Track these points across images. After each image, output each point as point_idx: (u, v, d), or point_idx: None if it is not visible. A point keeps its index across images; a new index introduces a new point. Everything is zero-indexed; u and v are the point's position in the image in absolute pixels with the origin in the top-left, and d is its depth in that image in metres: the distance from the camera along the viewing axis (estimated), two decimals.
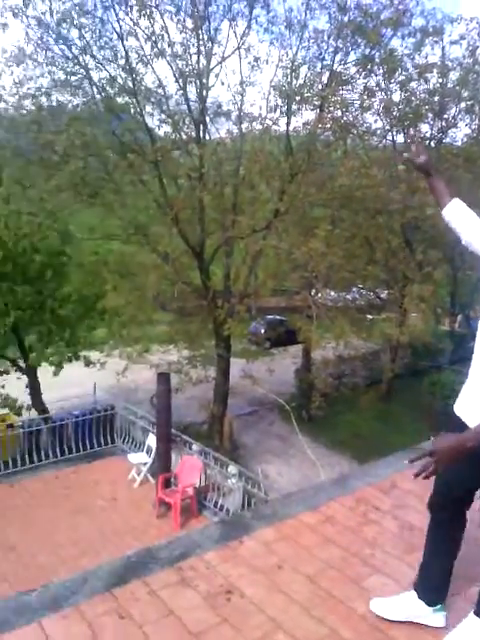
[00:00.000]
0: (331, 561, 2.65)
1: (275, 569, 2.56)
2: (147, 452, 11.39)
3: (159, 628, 2.10)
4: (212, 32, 14.09)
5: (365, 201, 14.16)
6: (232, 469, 10.34)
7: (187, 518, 9.76)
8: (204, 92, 14.06)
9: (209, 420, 16.99)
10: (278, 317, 24.87)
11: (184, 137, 14.38)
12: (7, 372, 14.52)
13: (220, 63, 14.20)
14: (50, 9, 12.66)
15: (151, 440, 11.32)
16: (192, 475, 10.20)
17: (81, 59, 13.40)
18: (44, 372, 14.68)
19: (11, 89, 13.37)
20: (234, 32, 14.22)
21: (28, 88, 13.46)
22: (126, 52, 13.37)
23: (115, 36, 13.48)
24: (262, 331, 25.40)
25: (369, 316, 19.30)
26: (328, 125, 13.68)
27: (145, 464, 11.15)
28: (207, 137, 14.76)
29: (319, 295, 15.18)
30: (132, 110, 13.83)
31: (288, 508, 3.14)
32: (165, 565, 2.53)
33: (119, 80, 13.62)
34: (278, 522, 2.96)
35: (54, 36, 13.12)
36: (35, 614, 2.11)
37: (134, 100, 13.56)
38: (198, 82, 14.00)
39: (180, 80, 13.92)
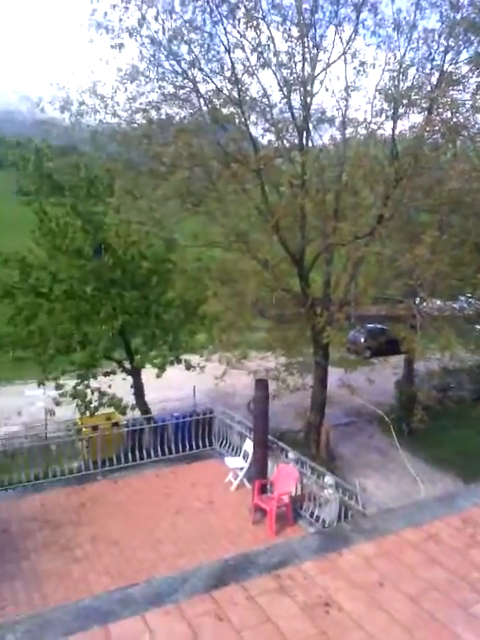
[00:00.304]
0: (435, 582, 2.52)
1: (376, 586, 2.47)
2: (244, 457, 11.50)
3: (257, 634, 2.10)
4: (317, 39, 14.11)
5: (476, 205, 13.48)
6: (328, 480, 10.18)
7: (282, 526, 9.73)
8: (308, 99, 14.06)
9: (305, 428, 16.86)
10: (379, 326, 24.24)
11: (287, 145, 14.45)
12: (114, 373, 15.28)
13: (325, 69, 14.15)
14: (163, 27, 13.28)
15: (248, 445, 11.42)
16: (288, 483, 10.16)
17: (189, 73, 13.89)
18: (147, 374, 15.30)
19: (124, 105, 14.13)
20: (340, 37, 14.15)
21: (140, 103, 14.17)
22: (232, 64, 13.69)
23: (222, 49, 13.87)
24: (362, 340, 24.89)
25: (478, 326, 18.30)
26: (437, 127, 13.18)
27: (242, 469, 11.26)
28: (310, 144, 14.73)
29: (424, 304, 14.61)
30: (237, 120, 14.10)
31: (389, 523, 3.03)
32: (263, 571, 2.52)
33: (225, 91, 13.96)
34: (379, 537, 2.86)
35: (165, 52, 13.72)
36: (139, 607, 2.18)
37: (239, 110, 13.82)
38: (302, 90, 14.03)
39: (284, 89, 14.02)
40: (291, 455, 11.06)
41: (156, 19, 13.19)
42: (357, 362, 19.75)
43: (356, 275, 15.37)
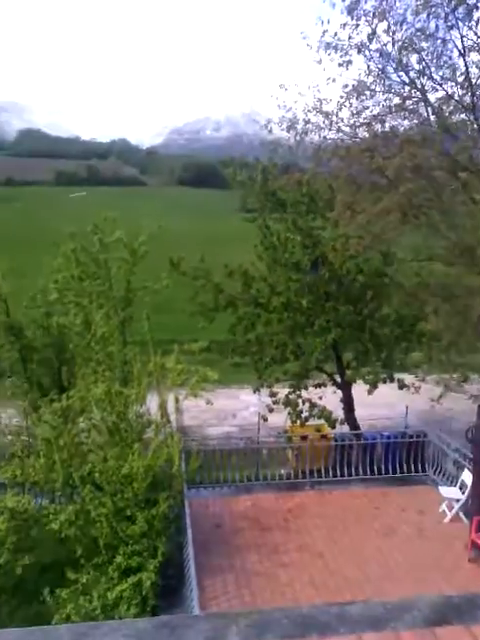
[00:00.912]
0: None
1: None
2: (460, 488, 10.64)
3: None
4: None
5: None
6: None
7: None
8: None
9: None
10: None
11: None
12: (324, 385, 15.39)
13: None
14: (392, 39, 13.06)
15: (466, 476, 10.54)
16: None
17: (418, 82, 13.42)
18: (358, 389, 15.09)
19: (348, 120, 14.21)
20: None
21: (364, 117, 14.11)
22: (467, 68, 12.89)
23: (456, 53, 13.12)
24: None
25: None
26: None
27: (458, 501, 10.44)
28: None
29: None
30: (468, 127, 13.24)
31: None
32: None
33: (456, 97, 13.21)
34: None
35: (394, 64, 13.46)
36: (355, 626, 2.10)
37: (471, 116, 12.97)
38: None
39: None
40: None
41: (386, 32, 13.05)
42: None
43: None
